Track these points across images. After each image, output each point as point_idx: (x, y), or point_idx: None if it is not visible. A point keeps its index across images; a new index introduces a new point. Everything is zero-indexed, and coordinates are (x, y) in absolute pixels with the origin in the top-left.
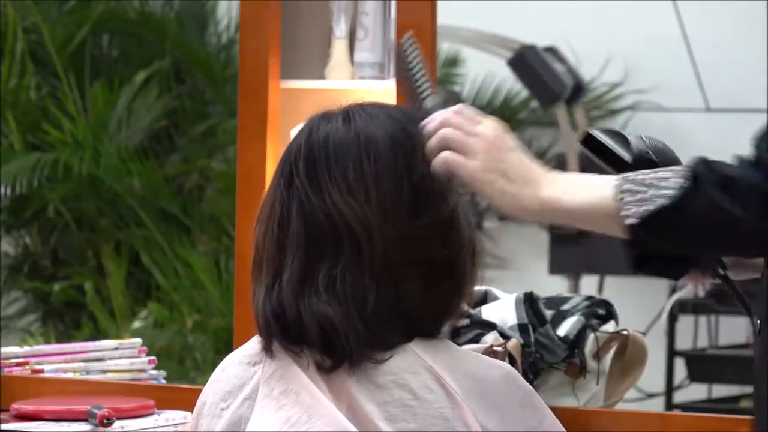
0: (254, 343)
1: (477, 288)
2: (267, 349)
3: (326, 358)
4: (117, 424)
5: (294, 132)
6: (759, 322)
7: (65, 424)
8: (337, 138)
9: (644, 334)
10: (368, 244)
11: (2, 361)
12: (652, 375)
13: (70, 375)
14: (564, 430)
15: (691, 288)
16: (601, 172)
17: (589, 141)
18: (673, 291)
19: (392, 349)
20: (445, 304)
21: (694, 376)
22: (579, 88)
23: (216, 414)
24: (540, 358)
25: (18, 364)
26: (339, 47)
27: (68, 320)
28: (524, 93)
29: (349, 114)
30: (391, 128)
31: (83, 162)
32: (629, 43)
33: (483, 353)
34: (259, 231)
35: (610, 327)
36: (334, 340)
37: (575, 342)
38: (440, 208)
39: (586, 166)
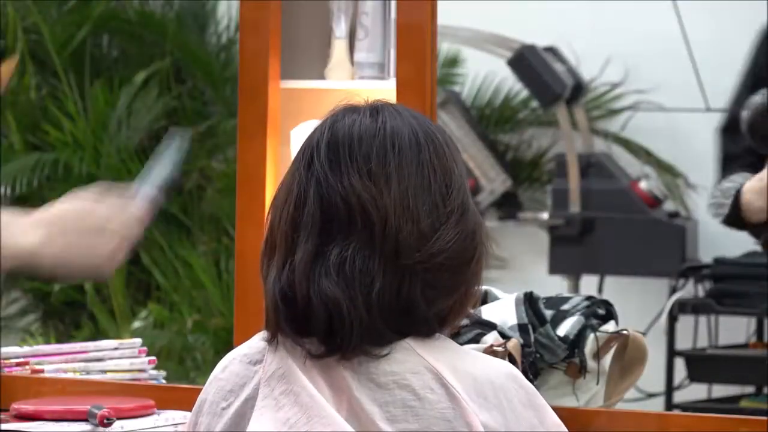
0: (256, 341)
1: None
2: (273, 338)
3: (321, 345)
4: (117, 424)
5: (294, 132)
6: None
7: (65, 424)
8: (363, 126)
9: (644, 334)
10: (381, 230)
11: (2, 361)
12: (652, 375)
13: (70, 375)
14: (566, 429)
15: (691, 288)
16: None
17: None
18: (673, 291)
19: (389, 345)
20: (446, 306)
21: (694, 376)
22: (579, 88)
23: (216, 413)
24: (540, 358)
25: (18, 364)
26: (339, 47)
27: (68, 320)
28: (524, 93)
29: (377, 108)
30: (417, 127)
31: (83, 162)
32: (629, 43)
33: (483, 353)
34: (274, 213)
35: (610, 327)
36: (338, 324)
37: (575, 342)
38: (456, 208)
39: (586, 166)
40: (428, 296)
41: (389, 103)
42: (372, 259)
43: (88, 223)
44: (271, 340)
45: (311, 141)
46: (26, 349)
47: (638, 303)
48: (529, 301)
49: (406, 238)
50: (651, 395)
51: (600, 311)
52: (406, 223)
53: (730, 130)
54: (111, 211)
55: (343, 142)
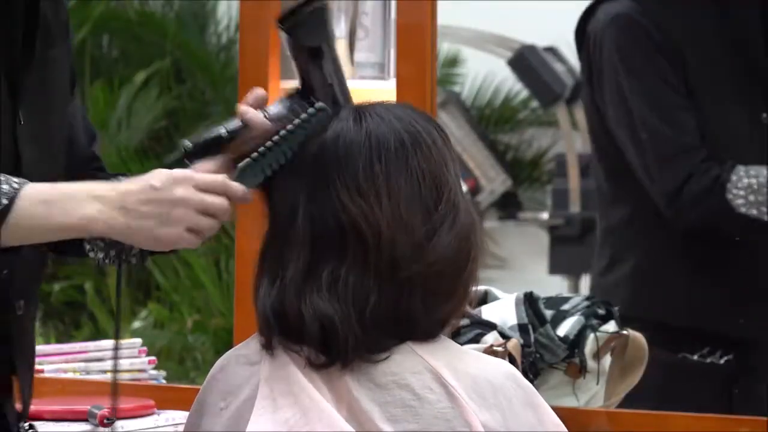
0: (253, 342)
1: (477, 288)
2: (267, 346)
3: (320, 355)
4: (117, 424)
5: None
6: None
7: (65, 424)
8: (348, 138)
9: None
10: (375, 246)
11: None
12: None
13: (70, 375)
14: (565, 429)
15: None
16: None
17: None
18: None
19: (388, 350)
20: (446, 310)
21: None
22: (579, 88)
23: (215, 413)
24: (540, 358)
25: None
26: (339, 47)
27: (68, 320)
28: (524, 93)
29: (360, 113)
30: (402, 130)
31: None
32: None
33: (483, 353)
34: (266, 225)
35: (610, 327)
36: (333, 340)
37: (575, 342)
38: (449, 211)
39: (586, 166)
40: (428, 304)
41: (373, 106)
42: (366, 275)
43: (150, 207)
44: (268, 346)
45: (298, 153)
46: None
47: None
48: (529, 301)
49: (401, 250)
50: None
51: (600, 311)
52: (401, 236)
53: (671, 120)
54: (182, 197)
55: (330, 156)
